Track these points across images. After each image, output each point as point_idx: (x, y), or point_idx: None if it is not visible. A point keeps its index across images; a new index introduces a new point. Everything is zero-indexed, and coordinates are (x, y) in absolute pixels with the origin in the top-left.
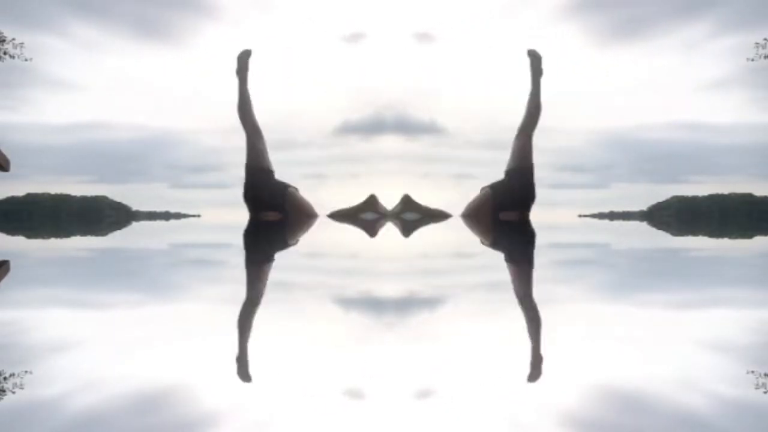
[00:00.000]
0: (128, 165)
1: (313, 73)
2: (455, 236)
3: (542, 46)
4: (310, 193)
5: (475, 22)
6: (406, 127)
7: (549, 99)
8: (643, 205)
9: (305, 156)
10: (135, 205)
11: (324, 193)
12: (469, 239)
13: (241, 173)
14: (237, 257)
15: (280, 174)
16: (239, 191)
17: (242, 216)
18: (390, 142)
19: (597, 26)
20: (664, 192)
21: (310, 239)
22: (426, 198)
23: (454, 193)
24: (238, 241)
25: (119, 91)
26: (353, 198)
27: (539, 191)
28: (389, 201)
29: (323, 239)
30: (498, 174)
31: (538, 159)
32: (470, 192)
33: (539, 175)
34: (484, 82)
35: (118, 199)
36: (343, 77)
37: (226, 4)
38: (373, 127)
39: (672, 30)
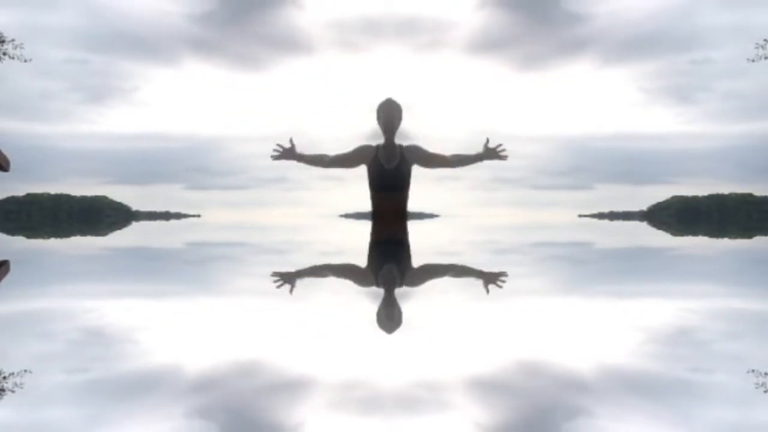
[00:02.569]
0: (153, 168)
1: (348, 92)
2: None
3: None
4: (323, 192)
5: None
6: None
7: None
8: (641, 206)
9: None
10: (135, 206)
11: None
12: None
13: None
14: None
15: (301, 175)
16: (242, 192)
17: (242, 216)
18: None
19: (498, 63)
20: (654, 192)
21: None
22: (416, 197)
23: (440, 195)
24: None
25: (189, 109)
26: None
27: (527, 192)
28: None
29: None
30: (481, 176)
31: (515, 163)
32: (454, 193)
33: (521, 176)
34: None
35: (123, 199)
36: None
37: (317, 45)
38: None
39: (561, 65)
